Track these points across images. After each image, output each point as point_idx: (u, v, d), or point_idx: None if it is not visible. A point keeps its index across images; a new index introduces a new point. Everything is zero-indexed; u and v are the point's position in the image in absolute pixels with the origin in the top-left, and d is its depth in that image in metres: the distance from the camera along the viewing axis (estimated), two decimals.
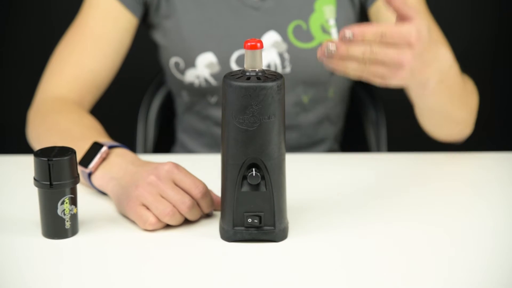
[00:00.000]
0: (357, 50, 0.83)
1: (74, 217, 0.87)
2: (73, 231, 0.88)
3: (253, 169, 0.83)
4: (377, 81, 0.87)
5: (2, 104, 2.18)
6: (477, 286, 0.78)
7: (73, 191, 0.86)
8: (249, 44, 0.82)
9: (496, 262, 0.83)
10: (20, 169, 1.07)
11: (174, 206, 0.88)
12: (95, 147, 0.98)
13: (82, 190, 0.89)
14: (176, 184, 0.89)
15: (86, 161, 0.97)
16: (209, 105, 1.31)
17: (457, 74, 1.05)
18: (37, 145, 1.12)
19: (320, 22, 1.26)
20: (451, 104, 1.08)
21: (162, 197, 0.89)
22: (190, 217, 0.90)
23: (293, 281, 0.79)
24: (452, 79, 1.03)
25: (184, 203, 0.88)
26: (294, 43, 1.26)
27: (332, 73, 1.29)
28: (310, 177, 1.04)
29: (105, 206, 0.96)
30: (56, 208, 0.85)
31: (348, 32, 0.82)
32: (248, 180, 0.83)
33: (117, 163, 0.96)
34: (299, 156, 1.14)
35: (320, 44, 1.26)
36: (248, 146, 0.82)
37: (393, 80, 0.86)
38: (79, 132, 1.08)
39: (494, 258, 0.83)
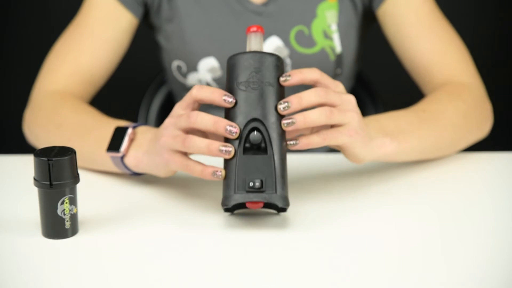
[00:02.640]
0: (312, 113, 0.86)
1: (74, 217, 0.87)
2: (73, 231, 0.88)
3: (255, 131, 0.86)
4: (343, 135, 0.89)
5: (2, 104, 2.18)
6: (477, 285, 0.78)
7: (73, 191, 0.86)
8: (252, 29, 0.91)
9: (497, 262, 0.83)
10: (20, 169, 1.07)
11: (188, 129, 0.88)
12: (119, 131, 0.99)
13: (82, 190, 0.89)
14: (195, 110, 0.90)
15: (114, 146, 0.98)
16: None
17: (394, 116, 1.03)
18: (45, 143, 1.10)
19: (322, 27, 1.26)
20: (425, 138, 1.04)
21: (180, 130, 0.89)
22: (200, 124, 0.87)
23: (293, 281, 0.79)
24: (396, 124, 1.01)
25: (189, 116, 0.87)
26: (296, 48, 1.26)
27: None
28: (311, 178, 1.04)
29: (105, 206, 0.96)
30: (56, 208, 0.85)
31: (282, 105, 0.86)
32: (250, 138, 0.86)
33: (145, 139, 0.97)
34: (300, 156, 1.14)
35: (322, 49, 1.26)
36: (248, 107, 0.86)
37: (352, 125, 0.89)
38: (91, 122, 1.08)
39: (495, 258, 0.83)
